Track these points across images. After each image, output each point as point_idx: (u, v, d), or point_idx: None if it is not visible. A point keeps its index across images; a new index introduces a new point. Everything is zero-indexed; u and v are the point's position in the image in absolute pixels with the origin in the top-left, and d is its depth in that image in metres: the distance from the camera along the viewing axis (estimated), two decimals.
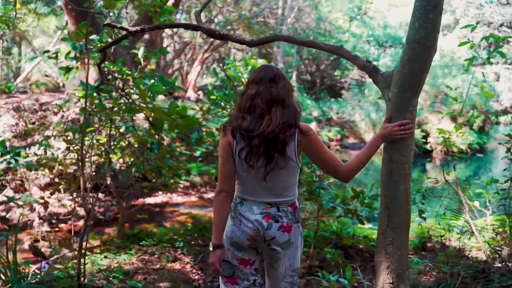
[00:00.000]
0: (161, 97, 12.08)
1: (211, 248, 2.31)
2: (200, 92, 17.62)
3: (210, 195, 9.05)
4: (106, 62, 4.64)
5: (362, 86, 20.97)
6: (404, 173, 2.41)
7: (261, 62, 5.86)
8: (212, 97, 5.41)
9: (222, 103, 5.37)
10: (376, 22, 23.93)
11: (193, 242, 5.23)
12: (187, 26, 2.98)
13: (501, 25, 24.43)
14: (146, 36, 11.92)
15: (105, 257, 4.44)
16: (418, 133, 15.72)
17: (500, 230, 4.72)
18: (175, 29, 19.94)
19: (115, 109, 4.39)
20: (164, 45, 18.29)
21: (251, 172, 2.23)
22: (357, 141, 17.52)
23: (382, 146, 2.48)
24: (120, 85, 4.51)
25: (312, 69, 25.76)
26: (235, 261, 2.30)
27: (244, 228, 2.25)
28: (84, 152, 4.45)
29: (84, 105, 4.03)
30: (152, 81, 4.39)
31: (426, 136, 15.93)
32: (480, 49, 29.22)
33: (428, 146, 15.70)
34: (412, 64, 2.33)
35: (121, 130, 5.18)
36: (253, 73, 2.33)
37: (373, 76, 2.55)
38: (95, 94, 4.29)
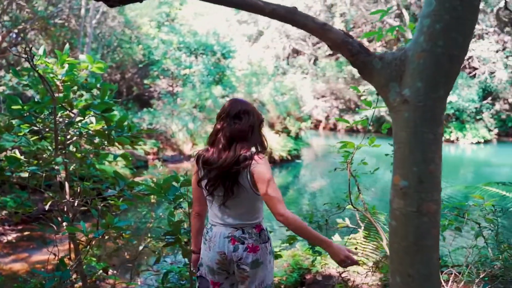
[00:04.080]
0: None
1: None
2: None
3: (11, 236, 6.89)
4: None
5: (174, 95, 19.89)
6: (436, 232, 1.37)
7: (83, 57, 4.36)
8: (16, 107, 3.69)
9: (32, 116, 3.71)
10: (186, 29, 23.22)
11: None
12: None
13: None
14: None
15: None
16: None
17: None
18: None
19: None
20: None
21: (213, 197, 2.36)
22: (176, 153, 16.33)
23: (396, 186, 1.40)
24: None
25: (116, 77, 23.88)
26: (209, 280, 2.44)
27: (213, 253, 2.36)
28: None
29: None
30: None
31: None
32: (281, 59, 31.23)
33: None
34: (451, 37, 1.31)
35: None
36: (222, 108, 2.40)
37: (361, 61, 1.45)
38: None
